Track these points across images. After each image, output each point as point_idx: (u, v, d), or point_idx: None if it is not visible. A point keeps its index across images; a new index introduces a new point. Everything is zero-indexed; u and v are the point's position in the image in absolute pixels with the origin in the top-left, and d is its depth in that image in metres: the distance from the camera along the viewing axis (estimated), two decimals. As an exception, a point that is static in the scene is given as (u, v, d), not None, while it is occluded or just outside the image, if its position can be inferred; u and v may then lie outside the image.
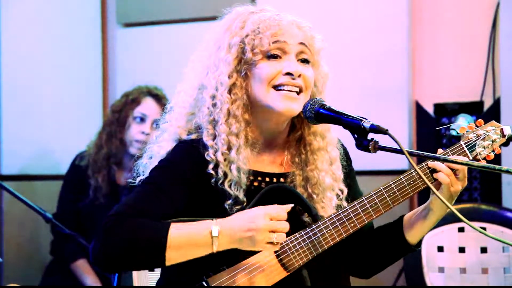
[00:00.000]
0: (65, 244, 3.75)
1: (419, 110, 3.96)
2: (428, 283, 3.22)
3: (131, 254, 1.90)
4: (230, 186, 2.01)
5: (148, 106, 3.79)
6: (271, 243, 1.92)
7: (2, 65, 4.24)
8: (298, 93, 2.03)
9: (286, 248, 2.01)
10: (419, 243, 2.12)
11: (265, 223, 1.91)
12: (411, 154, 1.87)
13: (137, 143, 3.74)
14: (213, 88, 2.06)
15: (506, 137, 2.07)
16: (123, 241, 1.89)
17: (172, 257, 1.91)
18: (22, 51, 4.32)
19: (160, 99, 3.80)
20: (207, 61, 2.10)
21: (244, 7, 2.12)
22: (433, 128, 3.78)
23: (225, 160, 2.02)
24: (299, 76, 2.03)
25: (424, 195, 2.12)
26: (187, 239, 1.91)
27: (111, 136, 3.79)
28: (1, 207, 4.20)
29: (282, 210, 1.95)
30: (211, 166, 2.02)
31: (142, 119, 3.77)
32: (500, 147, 2.08)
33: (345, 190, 2.13)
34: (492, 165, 1.81)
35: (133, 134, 3.76)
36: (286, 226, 1.94)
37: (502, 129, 2.07)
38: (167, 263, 1.91)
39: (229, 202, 2.01)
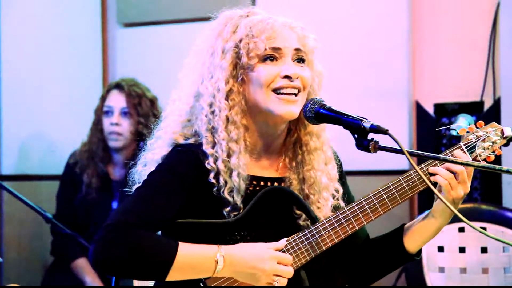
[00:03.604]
0: (65, 243, 3.77)
1: (419, 110, 3.96)
2: (428, 283, 3.22)
3: (135, 268, 1.89)
4: (229, 193, 2.00)
5: (113, 98, 3.87)
6: (271, 284, 1.94)
7: (3, 65, 4.24)
8: (296, 95, 2.02)
9: (285, 249, 2.01)
10: (419, 253, 2.12)
11: (271, 266, 1.94)
12: (411, 154, 1.87)
13: (110, 135, 3.85)
14: (210, 96, 2.04)
15: (506, 139, 2.07)
16: (128, 255, 1.88)
17: (174, 275, 1.92)
18: (23, 51, 4.31)
19: (123, 88, 3.85)
20: (201, 68, 2.07)
21: (232, 11, 2.10)
22: (433, 128, 3.78)
23: (225, 167, 2.01)
24: (297, 78, 2.02)
25: (424, 197, 2.12)
26: (192, 262, 1.92)
27: (92, 135, 3.90)
28: (1, 207, 4.19)
29: (288, 256, 1.97)
30: (212, 175, 2.01)
31: (110, 112, 3.85)
32: (500, 148, 2.08)
33: (340, 190, 2.13)
34: (492, 165, 1.81)
35: (106, 128, 3.86)
36: (290, 272, 1.96)
37: (502, 130, 2.07)
38: (167, 280, 1.92)
39: (227, 209, 2.01)
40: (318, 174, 2.09)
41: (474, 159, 2.03)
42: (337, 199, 2.12)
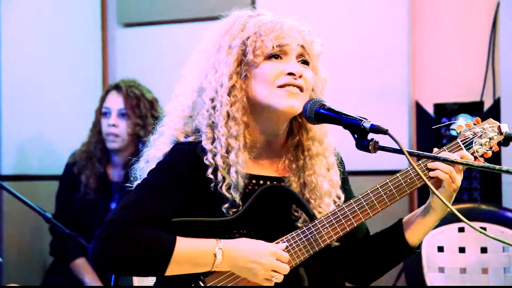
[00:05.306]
0: (64, 243, 3.77)
1: (419, 110, 3.96)
2: (428, 283, 3.22)
3: (135, 262, 1.90)
4: (228, 190, 2.01)
5: (111, 99, 3.88)
6: (269, 280, 1.95)
7: (2, 65, 4.23)
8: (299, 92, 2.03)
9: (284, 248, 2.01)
10: (419, 246, 2.12)
11: (270, 261, 1.95)
12: (411, 154, 1.87)
13: (108, 136, 3.85)
14: (212, 91, 2.05)
15: (503, 135, 2.07)
16: (128, 250, 1.89)
17: (173, 270, 1.93)
18: (22, 51, 4.31)
19: (121, 89, 3.85)
20: (206, 63, 2.09)
21: (242, 11, 2.12)
22: (433, 128, 3.78)
23: (224, 163, 2.01)
24: (300, 76, 2.03)
25: (424, 195, 2.12)
26: (190, 256, 1.93)
27: (91, 136, 3.92)
28: (1, 207, 4.19)
29: (286, 254, 1.98)
30: (210, 170, 2.02)
31: (108, 113, 3.86)
32: (498, 144, 2.08)
33: (342, 196, 2.13)
34: (492, 165, 1.81)
35: (104, 130, 3.86)
36: (287, 269, 1.97)
37: (499, 126, 2.08)
38: (166, 274, 1.93)
39: (226, 205, 2.01)
40: (319, 179, 2.09)
41: (471, 155, 2.03)
42: (338, 205, 2.11)
